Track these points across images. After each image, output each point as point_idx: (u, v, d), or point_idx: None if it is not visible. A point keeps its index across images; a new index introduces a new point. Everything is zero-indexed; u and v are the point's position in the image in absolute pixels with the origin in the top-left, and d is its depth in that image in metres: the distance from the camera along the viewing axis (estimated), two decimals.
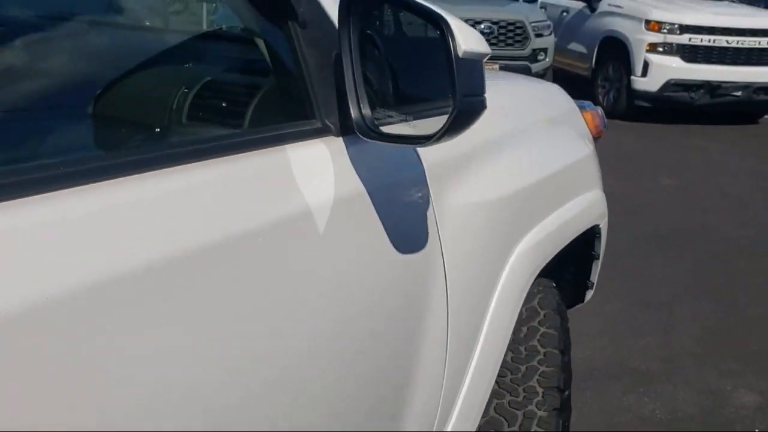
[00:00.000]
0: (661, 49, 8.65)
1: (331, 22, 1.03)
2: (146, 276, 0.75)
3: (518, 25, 8.45)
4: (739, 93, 8.72)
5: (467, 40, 0.89)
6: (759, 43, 8.74)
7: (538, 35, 8.68)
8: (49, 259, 0.67)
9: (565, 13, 10.61)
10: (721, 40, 8.63)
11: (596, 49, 9.50)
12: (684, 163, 6.96)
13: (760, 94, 8.83)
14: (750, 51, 8.72)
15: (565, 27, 10.37)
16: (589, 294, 2.19)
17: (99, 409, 0.70)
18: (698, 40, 8.57)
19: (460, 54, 0.88)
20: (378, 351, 1.14)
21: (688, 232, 4.93)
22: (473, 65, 0.91)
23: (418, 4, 0.93)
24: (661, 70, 8.59)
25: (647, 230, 4.76)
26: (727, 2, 9.99)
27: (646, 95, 8.66)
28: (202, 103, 1.04)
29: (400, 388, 1.20)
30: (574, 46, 9.99)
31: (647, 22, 8.76)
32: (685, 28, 8.58)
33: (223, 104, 1.07)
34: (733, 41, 8.64)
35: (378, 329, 1.12)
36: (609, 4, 9.56)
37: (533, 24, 9.07)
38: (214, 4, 1.65)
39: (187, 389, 0.80)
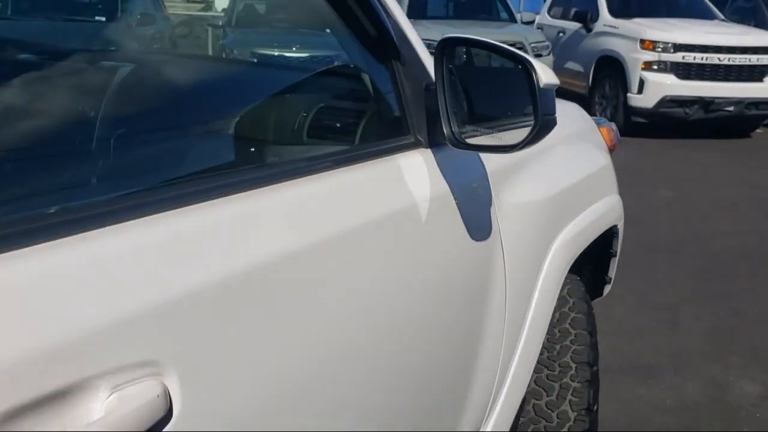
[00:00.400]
0: (655, 67, 8.99)
1: (421, 61, 1.32)
2: (315, 252, 1.03)
3: (518, 46, 8.80)
4: (731, 108, 9.06)
5: (545, 75, 1.17)
6: (749, 60, 9.09)
7: (537, 55, 9.04)
8: (236, 244, 0.93)
9: (561, 34, 11.00)
10: (713, 58, 8.97)
11: (593, 68, 9.87)
12: (682, 175, 7.25)
13: (751, 109, 9.17)
14: (741, 68, 9.07)
15: (562, 47, 10.76)
16: (607, 288, 2.46)
17: (252, 375, 0.93)
18: (691, 58, 8.91)
19: (541, 85, 1.16)
20: (457, 324, 1.41)
21: (689, 241, 5.21)
22: (549, 93, 1.19)
23: (504, 48, 1.22)
24: (656, 87, 8.92)
25: (650, 239, 5.04)
26: (717, 21, 10.35)
27: (642, 111, 8.99)
28: (318, 124, 1.31)
29: (473, 355, 1.47)
30: (571, 65, 10.36)
31: (642, 41, 9.11)
32: (678, 47, 8.93)
33: (337, 125, 1.35)
34: (725, 59, 8.99)
35: (458, 304, 1.39)
36: (604, 25, 9.93)
37: (532, 45, 9.45)
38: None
39: (335, 352, 1.05)
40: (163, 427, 0.79)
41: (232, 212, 0.94)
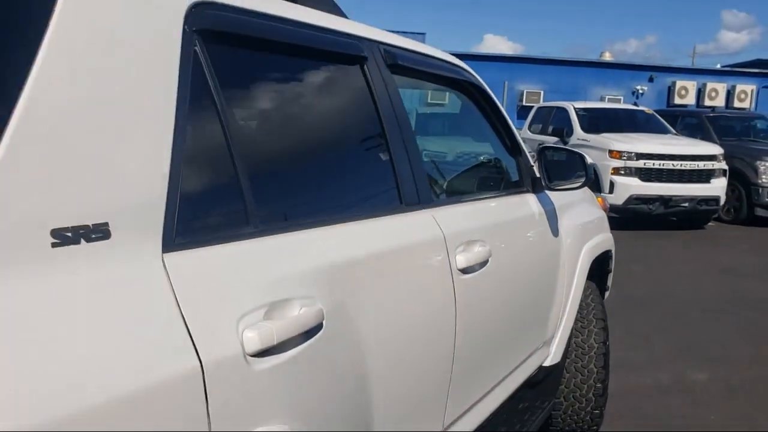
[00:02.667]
0: (623, 172, 10.92)
1: (527, 154, 3.03)
2: (503, 228, 2.67)
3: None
4: (686, 204, 11.00)
5: (589, 159, 2.88)
6: (698, 165, 11.10)
7: None
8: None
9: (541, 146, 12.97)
10: (669, 164, 10.96)
11: None
12: (648, 256, 9.01)
13: (702, 205, 11.13)
14: (692, 172, 11.06)
15: None
16: (606, 294, 4.08)
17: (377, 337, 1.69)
18: (651, 164, 10.89)
19: (588, 162, 2.88)
20: (546, 285, 3.04)
21: (655, 298, 6.89)
22: (590, 166, 2.91)
23: (570, 150, 2.95)
24: (624, 188, 10.83)
25: (626, 297, 6.70)
26: (671, 135, 12.44)
27: (613, 208, 10.83)
28: (487, 182, 2.99)
29: (549, 305, 3.09)
30: None
31: (610, 151, 11.08)
32: (640, 156, 10.91)
33: (498, 180, 3.03)
34: (678, 164, 10.98)
35: (547, 273, 3.03)
36: (578, 138, 11.93)
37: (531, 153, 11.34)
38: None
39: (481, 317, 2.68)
40: (318, 331, 1.44)
41: (471, 209, 2.58)
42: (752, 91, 26.43)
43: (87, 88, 1.13)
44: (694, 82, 26.32)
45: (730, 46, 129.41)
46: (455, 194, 2.84)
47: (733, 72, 28.31)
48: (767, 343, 5.74)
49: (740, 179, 12.15)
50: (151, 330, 1.13)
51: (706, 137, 12.81)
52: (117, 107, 1.17)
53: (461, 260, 2.16)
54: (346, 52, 1.93)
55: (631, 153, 10.95)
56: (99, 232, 1.09)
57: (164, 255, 1.20)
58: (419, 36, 22.70)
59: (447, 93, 3.02)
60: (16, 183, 0.99)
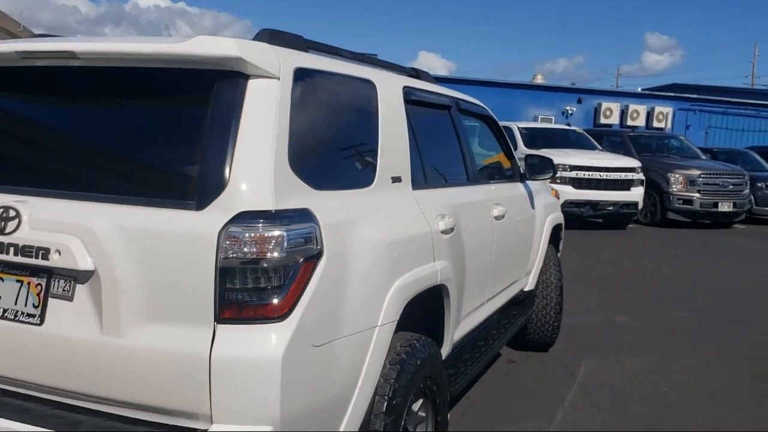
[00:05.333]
0: (559, 181, 13.08)
1: (518, 162, 4.98)
2: (503, 198, 4.61)
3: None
4: (611, 208, 13.27)
5: (556, 161, 4.83)
6: (620, 176, 13.39)
7: None
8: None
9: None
10: (596, 175, 13.20)
11: None
12: (581, 248, 11.15)
13: (624, 209, 13.42)
14: (615, 181, 13.33)
15: None
16: (559, 253, 6.07)
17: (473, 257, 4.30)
18: (582, 174, 13.10)
19: (555, 163, 4.85)
20: (528, 239, 4.98)
21: (588, 274, 9.00)
22: (554, 165, 4.88)
23: (543, 156, 4.91)
24: (560, 194, 12.96)
25: (566, 274, 8.74)
26: (598, 150, 14.74)
27: None
28: (497, 174, 4.92)
29: (528, 252, 5.04)
30: None
31: None
32: (573, 167, 13.10)
33: (504, 175, 4.95)
34: (604, 175, 13.24)
35: (530, 232, 4.98)
36: (522, 153, 14.03)
37: None
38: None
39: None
40: (452, 231, 3.33)
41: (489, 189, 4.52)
42: (669, 113, 29.39)
43: (392, 129, 3.03)
44: (618, 104, 29.13)
45: (653, 67, 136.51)
46: (488, 178, 4.73)
47: (652, 95, 31.30)
48: (666, 301, 7.89)
49: (655, 188, 14.53)
50: (412, 217, 3.02)
51: (627, 153, 15.15)
52: (396, 132, 3.07)
53: (495, 212, 4.10)
54: (445, 104, 3.88)
55: (566, 165, 13.13)
56: (398, 180, 2.98)
57: (414, 191, 3.10)
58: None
59: (477, 122, 4.89)
60: (387, 161, 2.89)
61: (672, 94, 31.52)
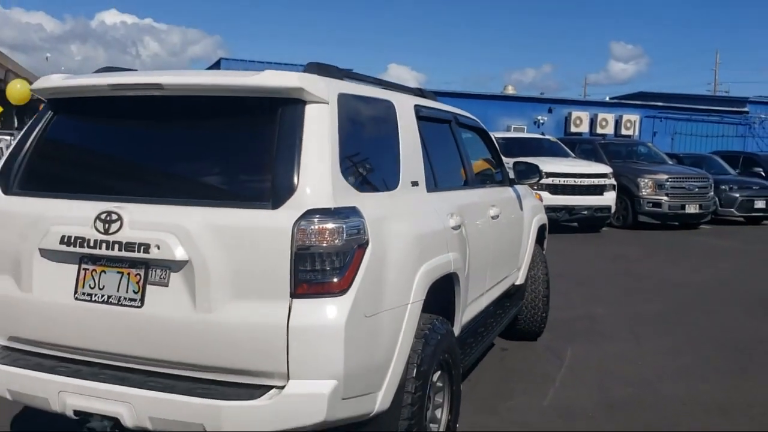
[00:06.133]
0: (536, 187, 13.72)
1: (507, 167, 5.57)
2: (497, 201, 5.20)
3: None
4: (585, 212, 13.97)
5: (547, 168, 5.41)
6: (593, 181, 14.10)
7: None
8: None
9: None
10: (570, 180, 13.89)
11: None
12: (559, 249, 11.74)
13: (598, 213, 14.13)
14: (588, 186, 14.04)
15: None
16: (544, 250, 6.67)
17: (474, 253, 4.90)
18: (557, 180, 13.77)
19: (541, 169, 5.43)
20: (518, 239, 5.57)
21: (567, 272, 9.62)
22: (541, 171, 5.47)
23: (529, 162, 5.49)
24: None
25: (551, 274, 9.40)
26: (571, 158, 15.45)
27: None
28: (485, 179, 5.48)
29: (518, 248, 5.62)
30: None
31: None
32: (549, 174, 13.73)
33: (494, 179, 5.53)
34: (578, 181, 13.93)
35: (519, 232, 5.56)
36: None
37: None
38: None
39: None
40: (460, 227, 3.86)
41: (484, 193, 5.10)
42: (636, 120, 30.37)
43: (409, 141, 3.59)
44: (588, 113, 30.06)
45: (619, 75, 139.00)
46: (483, 182, 5.28)
47: (620, 104, 32.29)
48: (640, 295, 8.54)
49: (626, 193, 15.28)
50: (430, 215, 3.58)
51: (598, 159, 15.89)
52: (412, 143, 3.64)
53: (491, 212, 4.68)
54: (447, 118, 4.46)
55: (542, 172, 13.78)
56: (416, 184, 3.55)
57: (427, 193, 3.66)
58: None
59: (471, 132, 5.46)
60: (407, 169, 3.46)
61: (639, 102, 32.58)
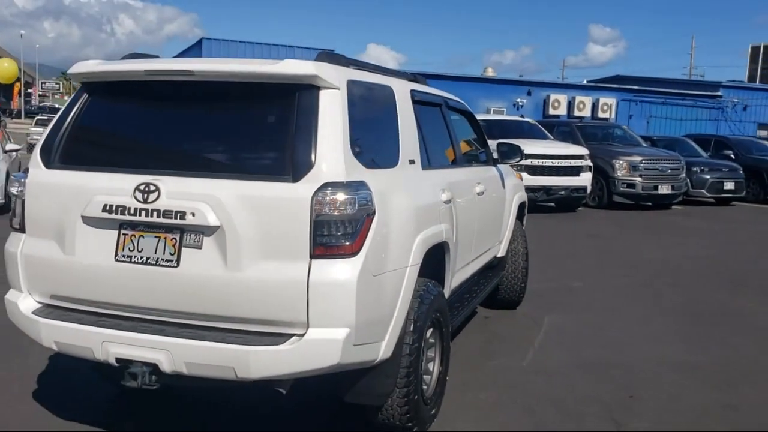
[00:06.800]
0: (515, 168, 14.20)
1: (491, 148, 5.99)
2: (482, 179, 5.63)
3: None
4: (562, 192, 14.48)
5: (525, 149, 5.86)
6: (570, 162, 14.60)
7: None
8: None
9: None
10: (549, 162, 14.36)
11: None
12: (537, 228, 12.24)
13: (574, 193, 14.65)
14: (565, 167, 14.54)
15: None
16: (523, 225, 7.13)
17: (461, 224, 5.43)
18: (536, 161, 14.24)
19: (523, 149, 5.87)
20: (501, 214, 6.01)
21: (545, 249, 10.10)
22: (522, 151, 5.90)
23: (512, 143, 5.92)
24: None
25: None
26: (549, 140, 15.93)
27: None
28: (473, 158, 5.90)
29: (500, 223, 6.06)
30: None
31: None
32: (528, 156, 14.15)
33: (480, 159, 5.95)
34: (555, 162, 14.42)
35: (502, 207, 6.00)
36: None
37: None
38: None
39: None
40: (450, 202, 4.26)
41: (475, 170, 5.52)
42: (613, 104, 30.96)
43: (406, 123, 4.00)
44: (566, 96, 30.61)
45: (597, 59, 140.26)
46: (469, 162, 5.69)
47: (597, 87, 32.85)
48: (613, 269, 9.05)
49: (602, 174, 15.82)
50: (425, 189, 3.99)
51: (575, 141, 16.40)
52: (409, 125, 4.05)
53: (477, 189, 5.11)
54: (438, 102, 4.87)
55: (524, 153, 14.24)
56: (413, 162, 3.96)
57: (422, 170, 4.08)
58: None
59: (459, 115, 5.86)
60: (405, 148, 3.87)
61: (615, 86, 33.14)
